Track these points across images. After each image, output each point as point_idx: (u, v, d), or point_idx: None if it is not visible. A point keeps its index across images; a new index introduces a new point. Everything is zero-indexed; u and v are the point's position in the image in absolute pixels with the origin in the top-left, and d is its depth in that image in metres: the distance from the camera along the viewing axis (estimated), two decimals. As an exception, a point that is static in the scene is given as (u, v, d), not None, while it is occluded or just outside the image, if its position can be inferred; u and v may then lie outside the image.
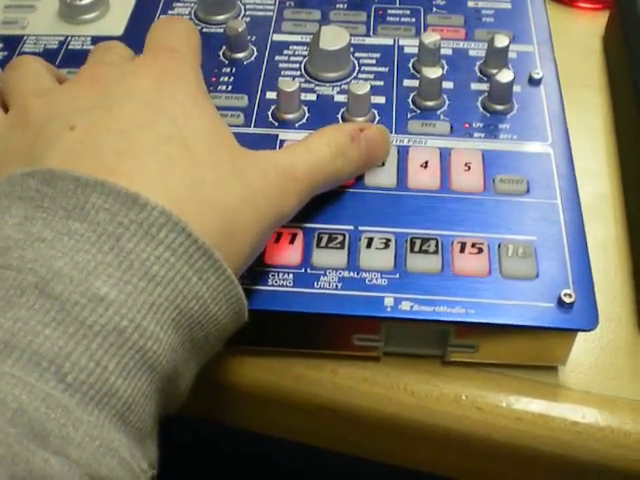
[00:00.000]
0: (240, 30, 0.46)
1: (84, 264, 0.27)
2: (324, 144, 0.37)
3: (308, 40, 0.47)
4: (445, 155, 0.42)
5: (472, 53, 0.47)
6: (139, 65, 0.36)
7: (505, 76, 0.43)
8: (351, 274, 0.37)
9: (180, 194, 0.30)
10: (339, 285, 0.36)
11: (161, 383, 0.28)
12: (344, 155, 0.37)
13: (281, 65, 0.47)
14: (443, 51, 0.46)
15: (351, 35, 0.46)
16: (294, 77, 0.46)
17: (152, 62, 0.35)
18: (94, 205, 0.28)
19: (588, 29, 0.58)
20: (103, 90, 0.34)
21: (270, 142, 0.42)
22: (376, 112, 0.43)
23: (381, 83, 0.45)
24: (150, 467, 0.28)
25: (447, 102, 0.44)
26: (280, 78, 0.45)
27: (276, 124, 0.43)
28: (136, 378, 0.27)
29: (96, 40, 0.48)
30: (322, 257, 0.37)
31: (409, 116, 0.43)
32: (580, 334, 0.37)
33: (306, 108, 0.44)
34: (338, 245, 0.38)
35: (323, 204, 0.39)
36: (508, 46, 0.45)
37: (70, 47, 0.48)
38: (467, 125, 0.43)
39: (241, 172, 0.33)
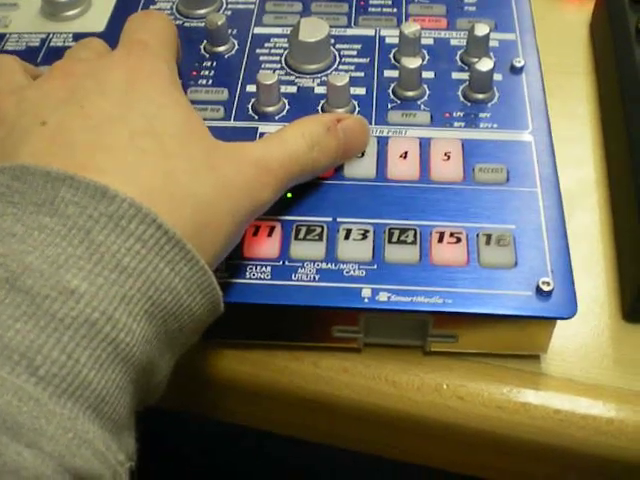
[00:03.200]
0: (220, 24, 0.46)
1: (54, 258, 0.27)
2: (299, 134, 0.37)
3: (289, 32, 0.46)
4: (425, 145, 0.41)
5: (454, 42, 0.47)
6: (111, 60, 0.36)
7: (485, 65, 0.43)
8: (329, 266, 0.37)
9: (152, 187, 0.30)
10: (317, 277, 0.36)
11: (135, 375, 0.28)
12: (319, 145, 0.37)
13: (262, 58, 0.47)
14: (424, 41, 0.46)
15: (332, 27, 0.46)
16: (275, 70, 0.46)
17: (124, 56, 0.35)
18: (64, 199, 0.28)
19: (575, 16, 0.57)
20: (74, 85, 0.34)
21: (250, 135, 0.42)
22: (356, 103, 0.43)
23: (361, 74, 0.45)
24: (127, 459, 0.28)
25: (427, 92, 0.44)
26: (260, 71, 0.45)
27: (256, 117, 0.43)
28: (109, 370, 0.27)
29: (78, 37, 0.48)
30: (300, 249, 0.37)
31: (389, 107, 0.43)
32: (563, 321, 0.37)
33: (286, 100, 0.44)
34: (316, 237, 0.38)
35: (302, 196, 0.39)
36: (488, 35, 0.45)
37: (52, 44, 0.48)
38: (447, 115, 0.43)
39: (215, 164, 0.33)
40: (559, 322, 0.37)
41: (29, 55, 0.47)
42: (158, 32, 0.38)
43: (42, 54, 0.48)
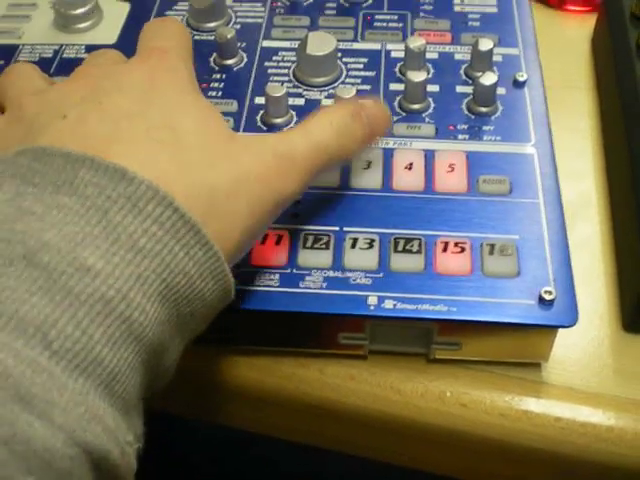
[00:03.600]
0: (230, 37, 0.47)
1: (72, 236, 0.27)
2: (326, 123, 0.36)
3: (297, 46, 0.47)
4: (430, 157, 0.42)
5: (458, 57, 0.48)
6: (131, 64, 0.36)
7: (489, 78, 0.43)
8: (336, 274, 0.38)
9: (168, 175, 0.30)
10: (324, 285, 0.37)
11: (147, 355, 0.29)
12: (347, 133, 0.37)
13: (270, 71, 0.47)
14: (429, 55, 0.47)
15: (339, 40, 0.47)
16: (283, 82, 0.46)
17: (144, 61, 0.36)
18: (83, 179, 0.29)
19: (577, 32, 0.58)
20: (94, 85, 0.34)
21: (258, 146, 0.43)
22: (363, 116, 0.44)
23: (368, 87, 0.46)
24: (135, 440, 0.28)
25: (432, 105, 0.45)
26: (268, 83, 0.46)
27: (265, 128, 0.44)
28: (122, 348, 0.27)
29: (90, 49, 0.49)
30: (307, 257, 0.38)
31: (395, 119, 0.44)
32: (564, 331, 0.37)
33: (294, 112, 0.44)
34: (323, 246, 0.38)
35: (309, 205, 0.40)
36: (492, 49, 0.45)
37: (64, 56, 0.49)
38: (452, 127, 0.44)
39: (234, 155, 0.33)
40: (560, 332, 0.38)
41: (42, 66, 0.47)
42: (176, 37, 0.38)
43: (55, 65, 0.49)
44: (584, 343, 0.41)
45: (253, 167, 0.33)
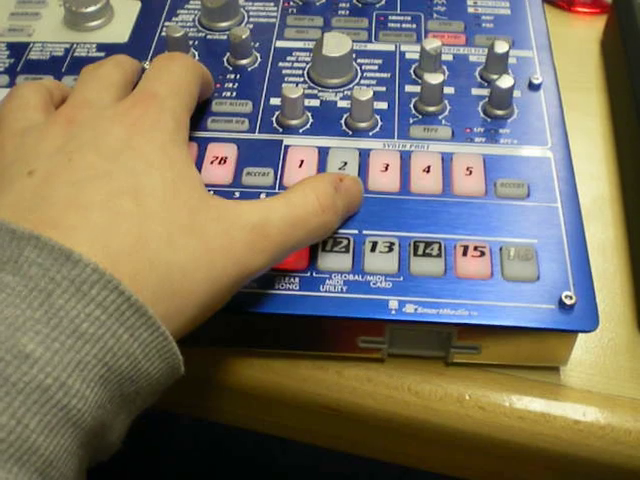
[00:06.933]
0: (244, 37, 0.47)
1: (12, 320, 0.27)
2: (311, 195, 0.36)
3: (311, 46, 0.47)
4: (447, 160, 0.42)
5: (472, 59, 0.48)
6: (117, 112, 0.35)
7: (506, 82, 0.43)
8: (356, 277, 0.37)
9: (120, 251, 0.30)
10: (344, 288, 0.37)
11: (86, 438, 0.28)
12: (332, 208, 0.37)
13: (284, 71, 0.47)
14: (444, 57, 0.47)
15: (353, 41, 0.47)
16: (297, 83, 0.46)
17: (130, 109, 0.35)
18: (27, 258, 0.28)
19: (586, 33, 0.58)
20: (72, 134, 0.34)
21: (275, 147, 0.43)
22: (379, 117, 0.44)
23: (383, 89, 0.46)
24: None
25: (448, 107, 0.45)
26: (284, 84, 0.46)
27: (280, 130, 0.44)
28: (58, 435, 0.27)
29: (101, 47, 0.49)
30: (327, 261, 0.38)
31: (411, 121, 0.44)
32: (581, 334, 0.37)
33: (310, 114, 0.44)
34: (343, 249, 0.38)
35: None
36: (508, 52, 0.45)
37: (76, 54, 0.49)
38: (468, 130, 0.44)
39: (199, 228, 0.32)
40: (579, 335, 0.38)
41: (54, 65, 0.48)
42: (175, 80, 0.38)
43: (67, 64, 0.48)
44: (601, 346, 0.41)
45: (219, 242, 0.32)
